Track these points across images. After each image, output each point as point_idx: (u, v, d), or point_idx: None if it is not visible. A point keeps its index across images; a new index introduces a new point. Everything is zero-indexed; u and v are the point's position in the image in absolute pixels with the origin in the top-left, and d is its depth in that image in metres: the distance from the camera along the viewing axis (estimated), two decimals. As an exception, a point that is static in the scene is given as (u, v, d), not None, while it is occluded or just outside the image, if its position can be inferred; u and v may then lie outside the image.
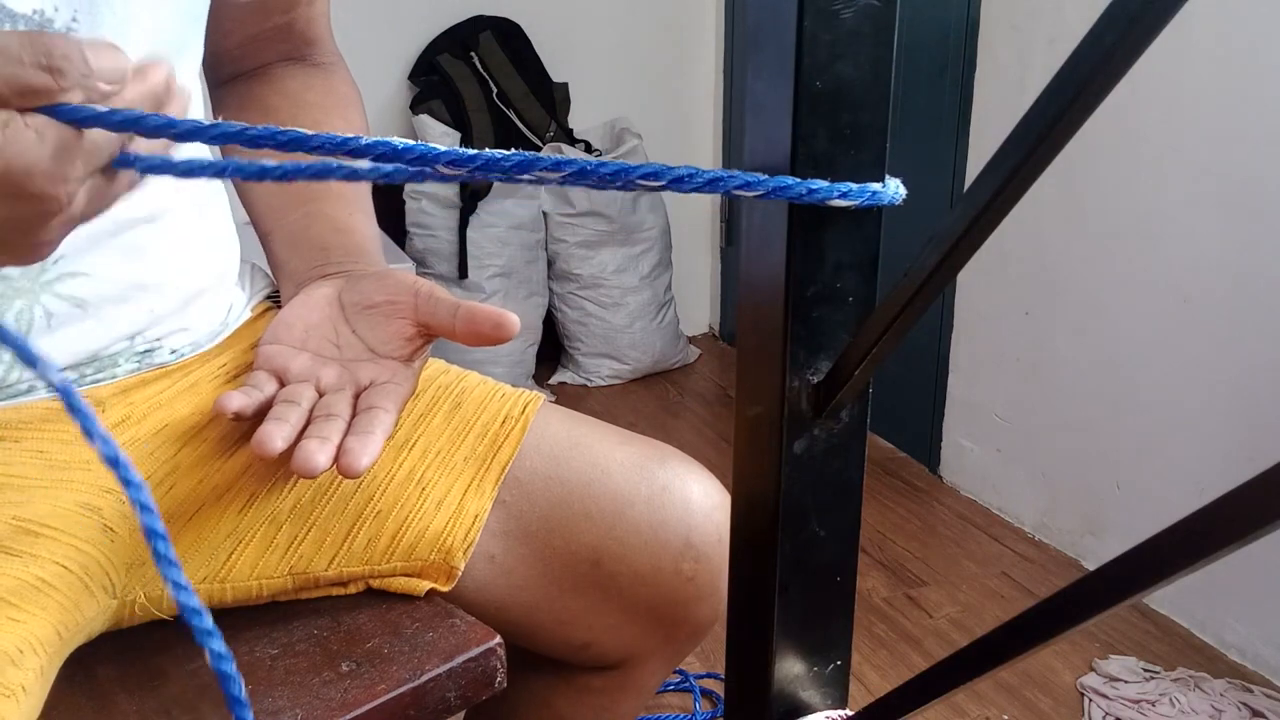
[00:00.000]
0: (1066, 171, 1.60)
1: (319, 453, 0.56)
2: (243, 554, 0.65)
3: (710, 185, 0.32)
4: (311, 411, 0.61)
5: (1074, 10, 1.66)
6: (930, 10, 1.97)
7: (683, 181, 0.32)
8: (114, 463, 0.37)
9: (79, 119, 0.36)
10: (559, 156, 0.34)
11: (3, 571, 0.55)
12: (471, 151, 0.33)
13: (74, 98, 0.36)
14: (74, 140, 0.37)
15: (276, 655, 0.63)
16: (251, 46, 0.79)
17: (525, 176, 0.32)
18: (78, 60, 0.36)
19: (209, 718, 0.58)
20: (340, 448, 0.58)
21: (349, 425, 0.60)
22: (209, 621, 0.37)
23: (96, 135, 0.38)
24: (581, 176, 0.32)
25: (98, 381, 0.64)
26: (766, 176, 0.32)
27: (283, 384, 0.64)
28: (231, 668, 0.39)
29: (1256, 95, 1.40)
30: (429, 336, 0.65)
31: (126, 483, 0.38)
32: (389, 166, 0.35)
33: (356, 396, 0.63)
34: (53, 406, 0.62)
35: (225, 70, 0.80)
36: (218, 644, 0.38)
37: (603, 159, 0.34)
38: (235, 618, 0.66)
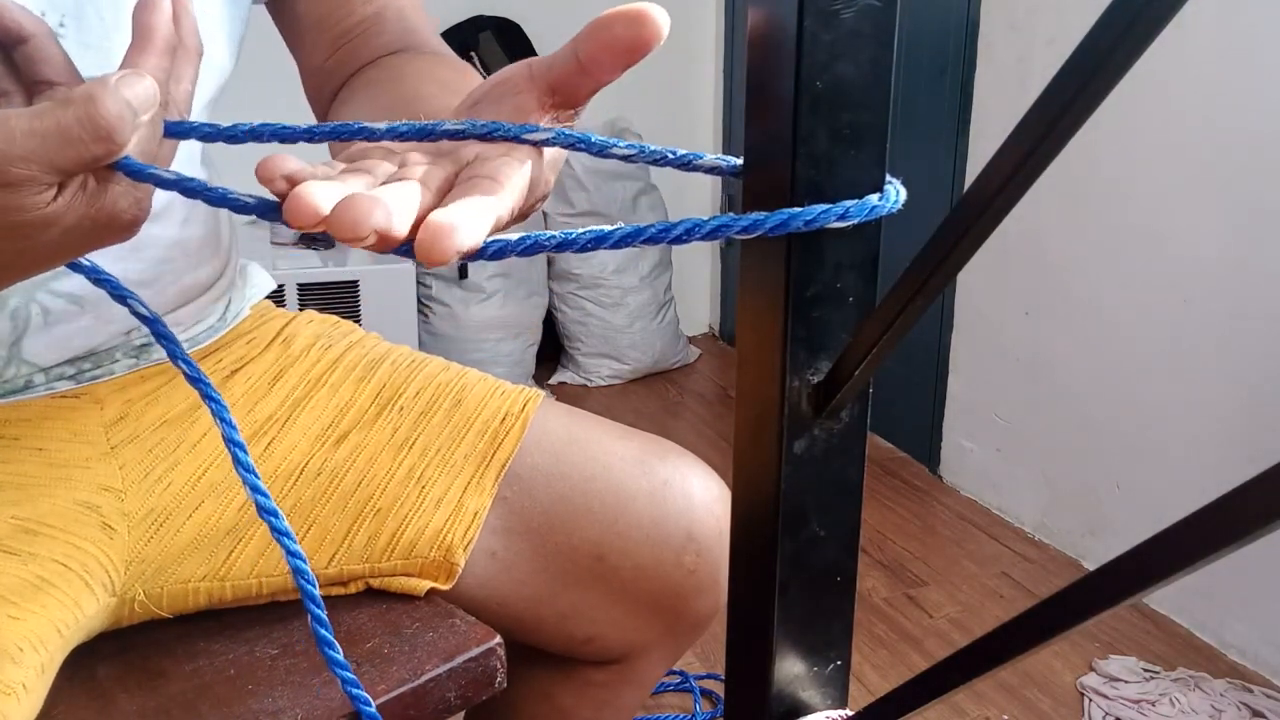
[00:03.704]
0: (1066, 171, 1.60)
1: (375, 210, 0.33)
2: (243, 552, 0.65)
3: (715, 233, 0.33)
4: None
5: (1074, 10, 1.66)
6: (930, 10, 1.97)
7: (689, 234, 0.33)
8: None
9: (139, 174, 0.39)
10: (590, 230, 0.35)
11: (3, 570, 0.55)
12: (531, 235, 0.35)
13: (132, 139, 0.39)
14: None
15: (276, 655, 0.63)
16: (345, 51, 0.69)
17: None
18: (128, 118, 0.38)
19: (209, 718, 0.58)
20: (424, 221, 0.35)
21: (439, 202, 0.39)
22: (315, 590, 0.47)
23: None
24: (600, 242, 0.35)
25: (95, 378, 0.64)
26: (765, 215, 0.32)
27: None
28: (330, 634, 0.48)
29: (1256, 95, 1.40)
30: (560, 106, 0.44)
31: (230, 441, 0.48)
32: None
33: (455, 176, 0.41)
34: (51, 403, 0.62)
35: (326, 92, 0.70)
36: (319, 610, 0.47)
37: (615, 226, 0.36)
38: (235, 617, 0.66)
